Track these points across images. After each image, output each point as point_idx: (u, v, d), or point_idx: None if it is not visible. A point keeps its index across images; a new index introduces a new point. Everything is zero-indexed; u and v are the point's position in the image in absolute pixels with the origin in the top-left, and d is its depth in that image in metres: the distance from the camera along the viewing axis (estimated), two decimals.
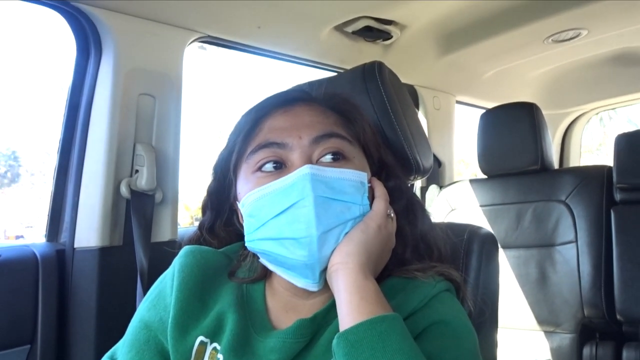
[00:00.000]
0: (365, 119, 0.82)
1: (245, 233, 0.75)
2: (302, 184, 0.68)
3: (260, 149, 0.74)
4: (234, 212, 0.83)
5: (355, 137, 0.78)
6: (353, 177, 0.72)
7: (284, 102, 0.78)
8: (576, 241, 1.82)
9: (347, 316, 0.63)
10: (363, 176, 0.74)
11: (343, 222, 0.69)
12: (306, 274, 0.70)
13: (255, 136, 0.76)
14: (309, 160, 0.72)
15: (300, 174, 0.69)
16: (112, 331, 1.23)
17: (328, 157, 0.73)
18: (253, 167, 0.74)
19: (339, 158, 0.73)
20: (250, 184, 0.73)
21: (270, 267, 0.75)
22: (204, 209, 0.87)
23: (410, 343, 0.60)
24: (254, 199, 0.72)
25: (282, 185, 0.70)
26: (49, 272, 1.23)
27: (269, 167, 0.73)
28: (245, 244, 0.76)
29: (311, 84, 0.95)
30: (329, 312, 0.73)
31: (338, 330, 0.71)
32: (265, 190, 0.71)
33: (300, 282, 0.71)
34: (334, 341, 0.61)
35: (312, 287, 0.71)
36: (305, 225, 0.67)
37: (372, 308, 0.62)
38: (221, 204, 0.84)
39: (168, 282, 0.80)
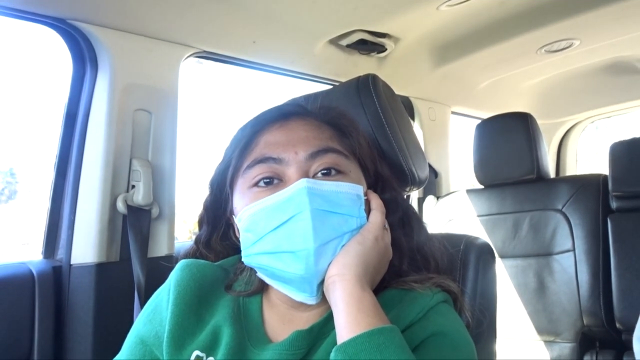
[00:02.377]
0: (360, 133, 0.82)
1: (242, 248, 0.75)
2: (299, 198, 0.68)
3: (256, 164, 0.74)
4: (230, 226, 0.83)
5: (350, 151, 0.78)
6: (349, 190, 0.72)
7: (279, 117, 0.79)
8: (574, 250, 1.82)
9: (344, 328, 0.62)
10: (359, 189, 0.74)
11: (340, 234, 0.69)
12: (304, 287, 0.69)
13: (251, 151, 0.76)
14: (306, 175, 0.72)
15: (297, 188, 0.69)
16: (109, 348, 1.21)
17: (324, 172, 0.73)
18: (249, 182, 0.74)
19: (335, 172, 0.74)
20: (247, 198, 0.73)
21: (268, 280, 0.75)
22: (200, 223, 0.87)
23: (408, 355, 0.60)
24: (250, 213, 0.72)
25: (279, 199, 0.70)
26: (45, 289, 1.23)
27: (265, 182, 0.73)
28: (242, 259, 0.76)
29: (307, 97, 0.95)
30: (326, 324, 0.73)
31: (335, 343, 0.71)
32: (261, 204, 0.71)
33: (298, 296, 0.71)
34: (332, 354, 0.61)
35: (310, 300, 0.71)
36: (302, 238, 0.67)
37: (369, 320, 0.62)
38: (217, 218, 0.84)
39: (164, 297, 0.80)
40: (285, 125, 0.77)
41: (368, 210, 0.75)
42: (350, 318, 0.63)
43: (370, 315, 0.63)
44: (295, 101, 0.87)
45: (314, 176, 0.73)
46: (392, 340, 0.60)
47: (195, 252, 0.87)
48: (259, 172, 0.73)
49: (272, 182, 0.73)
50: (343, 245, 0.69)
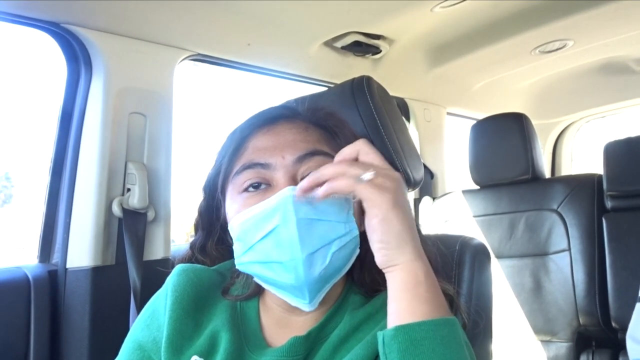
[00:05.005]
0: (350, 131, 0.81)
1: (234, 255, 0.75)
2: (284, 207, 0.67)
3: (244, 170, 0.73)
4: (226, 230, 0.83)
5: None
6: (336, 195, 0.71)
7: (266, 121, 0.78)
8: (569, 249, 1.83)
9: (401, 313, 0.62)
10: None
11: (328, 242, 0.68)
12: (297, 294, 0.69)
13: (240, 156, 0.76)
14: (293, 179, 0.71)
15: (282, 197, 0.68)
16: (105, 351, 1.21)
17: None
18: (239, 188, 0.74)
19: None
20: (237, 204, 0.73)
21: (264, 285, 0.75)
22: (196, 228, 0.87)
23: (467, 352, 0.61)
24: (239, 222, 0.71)
25: (265, 208, 0.69)
26: (41, 293, 1.22)
27: (253, 187, 0.73)
28: (236, 267, 0.76)
29: (297, 100, 0.95)
30: (323, 328, 0.73)
31: (333, 348, 0.71)
32: (249, 213, 0.70)
33: (294, 302, 0.71)
34: (390, 332, 0.61)
35: (305, 307, 0.70)
36: (289, 249, 0.66)
37: (426, 308, 0.62)
38: (212, 224, 0.84)
39: (161, 302, 0.80)
40: (273, 129, 0.77)
41: (359, 212, 0.75)
42: (404, 305, 0.63)
43: (427, 303, 0.63)
44: (284, 104, 0.85)
45: (301, 179, 0.72)
46: (455, 333, 0.61)
47: (190, 258, 0.86)
48: (247, 177, 0.73)
49: (260, 187, 0.72)
50: (333, 252, 0.68)
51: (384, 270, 0.67)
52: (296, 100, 0.91)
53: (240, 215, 0.71)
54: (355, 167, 0.65)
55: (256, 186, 0.72)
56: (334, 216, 0.69)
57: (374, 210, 0.64)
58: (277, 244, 0.67)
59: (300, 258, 0.66)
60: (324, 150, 0.75)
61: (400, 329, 0.60)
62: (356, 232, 0.71)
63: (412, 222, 0.66)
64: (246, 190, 0.73)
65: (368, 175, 0.64)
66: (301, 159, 0.73)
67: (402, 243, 0.65)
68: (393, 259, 0.65)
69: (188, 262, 0.85)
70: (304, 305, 0.70)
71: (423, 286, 0.64)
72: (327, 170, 0.66)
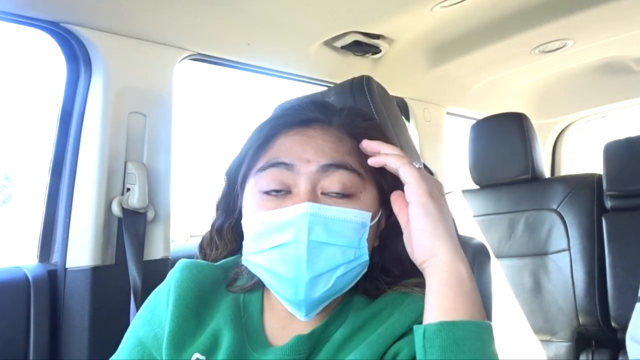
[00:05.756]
0: None
1: (243, 251, 0.75)
2: (299, 225, 0.67)
3: (268, 167, 0.72)
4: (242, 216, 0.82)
5: (368, 168, 0.74)
6: (355, 219, 0.70)
7: (299, 123, 0.76)
8: (569, 249, 1.83)
9: (445, 308, 0.62)
10: (366, 217, 0.71)
11: (335, 267, 0.68)
12: (294, 305, 0.70)
13: (265, 152, 0.74)
14: (313, 191, 0.70)
15: (299, 213, 0.67)
16: (105, 351, 1.21)
17: (334, 192, 0.70)
18: (259, 187, 0.72)
19: (345, 195, 0.71)
20: (254, 204, 0.72)
21: (265, 284, 0.75)
22: (217, 207, 0.86)
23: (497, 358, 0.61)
24: (253, 224, 0.71)
25: (280, 220, 0.68)
26: (40, 293, 1.22)
27: (274, 192, 0.71)
28: (242, 260, 0.75)
29: (336, 92, 0.93)
30: (327, 328, 0.73)
31: (337, 347, 0.70)
32: (263, 218, 0.70)
33: (290, 309, 0.71)
34: (433, 327, 0.60)
35: (301, 318, 0.71)
36: (295, 268, 0.66)
37: (469, 308, 0.62)
38: (231, 208, 0.83)
39: (163, 298, 0.79)
40: (304, 132, 0.74)
41: (372, 237, 0.74)
42: (448, 301, 0.62)
43: (470, 303, 0.62)
44: (320, 105, 0.80)
45: (322, 193, 0.70)
46: (492, 339, 0.61)
47: (209, 239, 0.85)
48: (269, 179, 0.71)
49: (280, 192, 0.71)
50: (337, 277, 0.68)
51: (423, 265, 0.66)
52: (335, 92, 0.89)
53: (255, 217, 0.71)
54: (408, 155, 0.72)
55: (276, 191, 0.71)
56: (347, 241, 0.69)
57: (412, 193, 0.67)
58: (285, 259, 0.67)
59: (304, 279, 0.66)
60: (350, 165, 0.72)
61: (445, 325, 0.60)
62: (365, 258, 0.71)
63: (449, 220, 0.68)
64: (266, 192, 0.71)
65: (417, 163, 0.70)
66: (325, 168, 0.71)
67: (440, 232, 0.65)
68: (432, 250, 0.65)
69: (207, 242, 0.85)
70: (300, 316, 0.71)
71: (467, 285, 0.63)
72: (386, 146, 0.72)
